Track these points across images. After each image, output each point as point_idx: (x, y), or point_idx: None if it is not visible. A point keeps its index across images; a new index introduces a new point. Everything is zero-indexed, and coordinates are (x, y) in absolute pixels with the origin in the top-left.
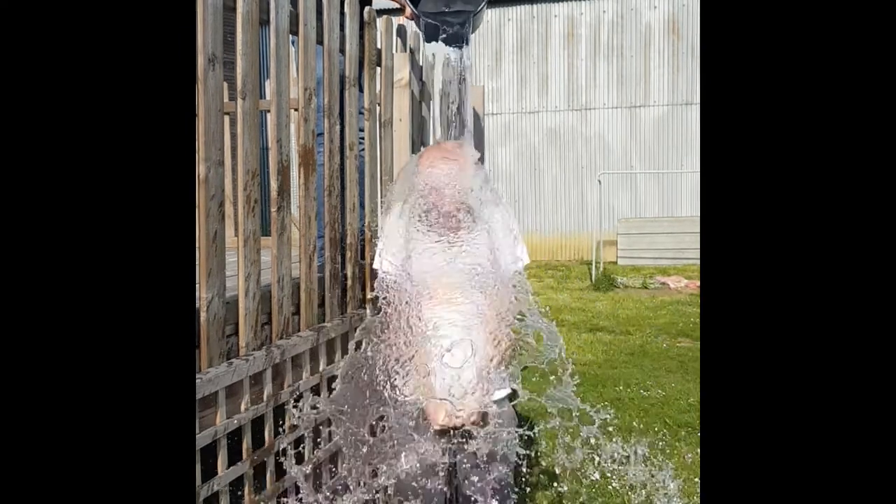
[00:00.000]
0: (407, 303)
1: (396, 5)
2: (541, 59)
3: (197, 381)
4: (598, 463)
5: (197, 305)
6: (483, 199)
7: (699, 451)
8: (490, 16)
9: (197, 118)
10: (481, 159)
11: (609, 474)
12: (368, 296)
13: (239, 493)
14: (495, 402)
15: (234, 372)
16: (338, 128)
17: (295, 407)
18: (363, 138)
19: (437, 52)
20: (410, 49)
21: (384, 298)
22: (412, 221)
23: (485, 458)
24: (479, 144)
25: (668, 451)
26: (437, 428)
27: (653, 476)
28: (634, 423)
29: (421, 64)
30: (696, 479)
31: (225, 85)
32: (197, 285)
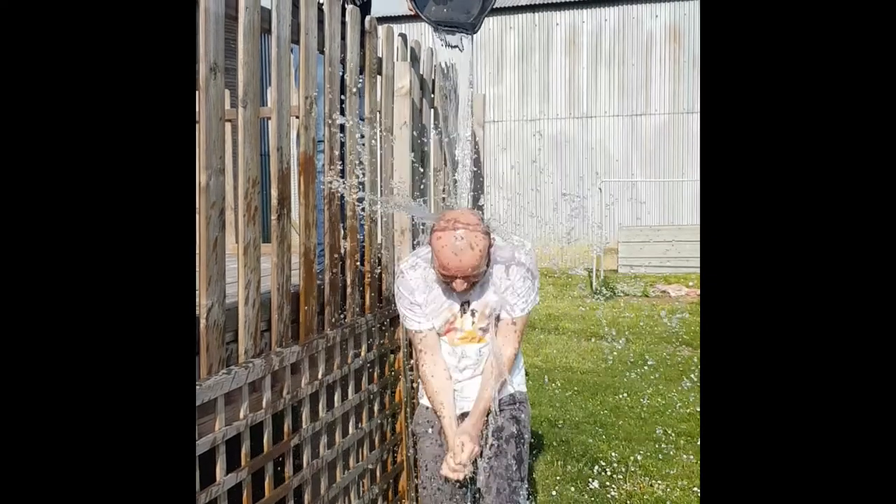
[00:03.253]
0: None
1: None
2: (542, 66)
3: (196, 387)
4: (598, 471)
5: (197, 312)
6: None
7: (698, 459)
8: (492, 23)
9: (198, 126)
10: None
11: (608, 482)
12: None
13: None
14: (518, 392)
15: (233, 379)
16: (338, 135)
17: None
18: (364, 145)
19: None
20: (411, 58)
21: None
22: (428, 289)
23: (504, 437)
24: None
25: (667, 459)
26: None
27: (652, 485)
28: (634, 432)
29: (422, 73)
30: (695, 488)
31: (227, 92)
32: (197, 292)
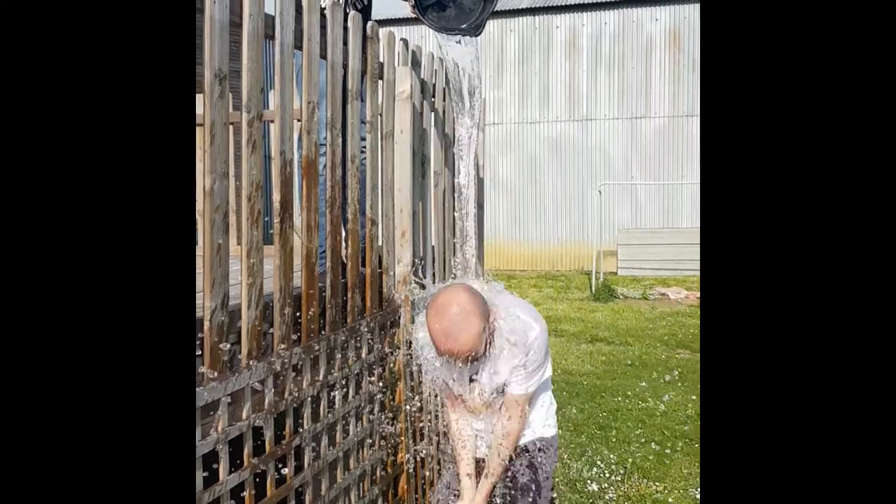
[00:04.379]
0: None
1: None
2: (542, 69)
3: (199, 389)
4: (596, 473)
5: (200, 314)
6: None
7: (696, 462)
8: (492, 26)
9: (203, 131)
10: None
11: (606, 484)
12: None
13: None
14: (547, 438)
15: (235, 380)
16: (340, 140)
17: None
18: (365, 148)
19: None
20: (412, 62)
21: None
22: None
23: (519, 487)
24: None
25: (665, 461)
26: None
27: (649, 487)
28: (632, 434)
29: (423, 77)
30: (692, 490)
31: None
32: (201, 295)
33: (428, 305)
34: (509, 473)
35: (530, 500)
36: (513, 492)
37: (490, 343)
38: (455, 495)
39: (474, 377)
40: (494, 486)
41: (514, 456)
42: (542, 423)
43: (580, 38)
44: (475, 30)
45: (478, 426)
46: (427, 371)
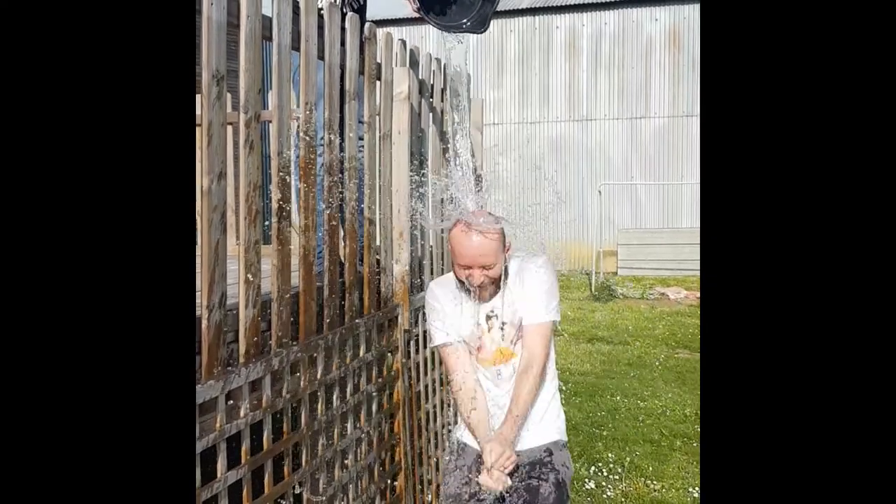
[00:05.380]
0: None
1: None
2: (542, 70)
3: (197, 387)
4: (594, 472)
5: (198, 313)
6: (520, 265)
7: (694, 461)
8: (492, 27)
9: (201, 132)
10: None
11: (604, 483)
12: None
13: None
14: (557, 444)
15: (233, 378)
16: (338, 140)
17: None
18: (363, 147)
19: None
20: (410, 62)
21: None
22: (452, 297)
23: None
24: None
25: (663, 460)
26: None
27: (647, 486)
28: (631, 433)
29: (421, 77)
30: (690, 489)
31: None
32: (199, 294)
33: (450, 231)
34: (533, 483)
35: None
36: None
37: (505, 277)
38: (476, 471)
39: (491, 315)
40: (522, 423)
41: (526, 464)
42: (557, 426)
43: (580, 38)
44: (479, 26)
45: (500, 402)
46: (438, 329)
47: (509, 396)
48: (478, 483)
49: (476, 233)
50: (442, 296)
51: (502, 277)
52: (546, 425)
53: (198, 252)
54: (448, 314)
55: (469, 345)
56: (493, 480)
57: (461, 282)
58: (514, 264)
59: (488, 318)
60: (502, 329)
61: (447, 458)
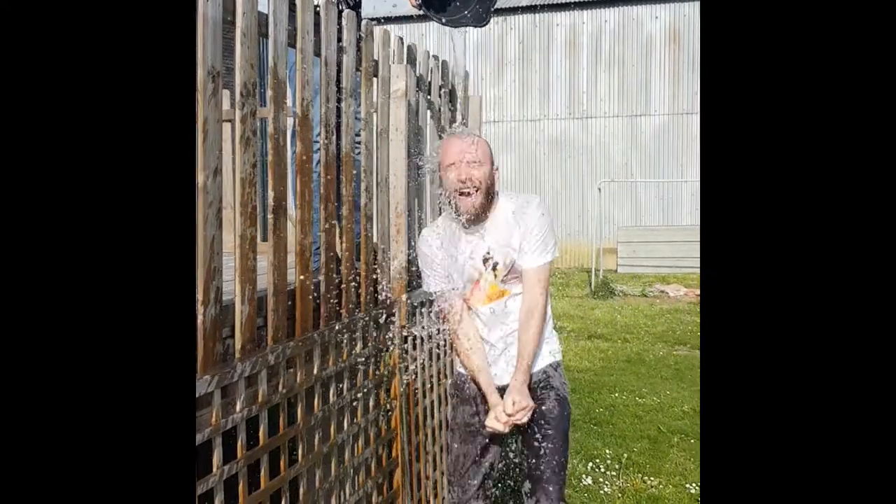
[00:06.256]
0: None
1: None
2: (542, 67)
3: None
4: (591, 468)
5: (195, 309)
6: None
7: (691, 457)
8: (492, 24)
9: (197, 128)
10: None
11: (602, 479)
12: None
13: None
14: (552, 365)
15: (229, 373)
16: (334, 137)
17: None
18: (360, 144)
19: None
20: (408, 60)
21: (441, 308)
22: (445, 228)
23: (550, 411)
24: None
25: (661, 456)
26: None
27: (645, 482)
28: (629, 429)
29: (419, 74)
30: (688, 485)
31: (226, 93)
32: (196, 289)
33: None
34: (536, 403)
35: (561, 431)
36: (541, 421)
37: (493, 200)
38: (483, 413)
39: (486, 256)
40: (530, 366)
41: (533, 383)
42: (551, 348)
43: (580, 35)
44: (480, 20)
45: (495, 343)
46: (430, 276)
47: (503, 333)
48: (484, 425)
49: (464, 135)
50: (433, 241)
51: (491, 209)
52: (542, 352)
53: None
54: (441, 260)
55: (464, 285)
56: (502, 424)
57: (449, 203)
58: (506, 202)
59: (485, 260)
60: (495, 269)
61: (452, 392)
